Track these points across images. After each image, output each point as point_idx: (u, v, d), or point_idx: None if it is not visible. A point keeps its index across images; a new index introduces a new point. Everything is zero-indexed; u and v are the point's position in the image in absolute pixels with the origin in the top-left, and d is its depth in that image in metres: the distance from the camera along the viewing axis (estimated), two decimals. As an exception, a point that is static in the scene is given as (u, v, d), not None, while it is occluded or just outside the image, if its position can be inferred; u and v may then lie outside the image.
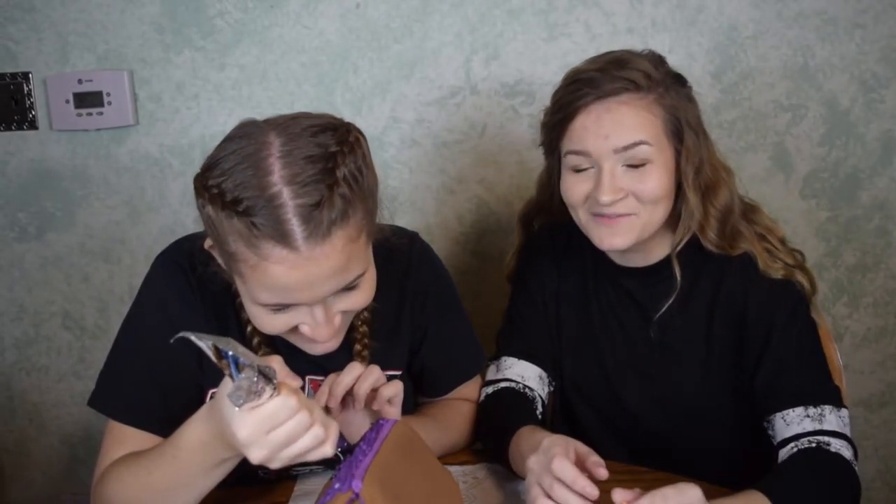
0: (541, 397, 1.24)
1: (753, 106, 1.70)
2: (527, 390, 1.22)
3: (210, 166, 0.89)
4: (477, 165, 1.71)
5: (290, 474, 1.11)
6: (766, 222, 1.20)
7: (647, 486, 1.06)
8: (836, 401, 1.10)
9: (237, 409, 0.77)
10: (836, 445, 1.05)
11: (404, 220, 1.69)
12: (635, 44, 1.62)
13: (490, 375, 1.26)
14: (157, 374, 1.04)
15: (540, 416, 1.21)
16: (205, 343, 0.75)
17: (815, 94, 1.70)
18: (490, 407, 1.21)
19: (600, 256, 1.23)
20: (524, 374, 1.24)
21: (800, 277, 1.15)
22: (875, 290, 1.82)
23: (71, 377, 1.78)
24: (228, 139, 0.91)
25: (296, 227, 0.85)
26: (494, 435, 1.14)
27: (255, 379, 0.76)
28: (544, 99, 1.65)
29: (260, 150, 0.87)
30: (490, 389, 1.23)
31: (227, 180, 0.86)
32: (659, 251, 1.19)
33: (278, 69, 1.64)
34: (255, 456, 0.80)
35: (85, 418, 1.79)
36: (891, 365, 1.86)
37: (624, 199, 1.09)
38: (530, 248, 1.33)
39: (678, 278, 1.15)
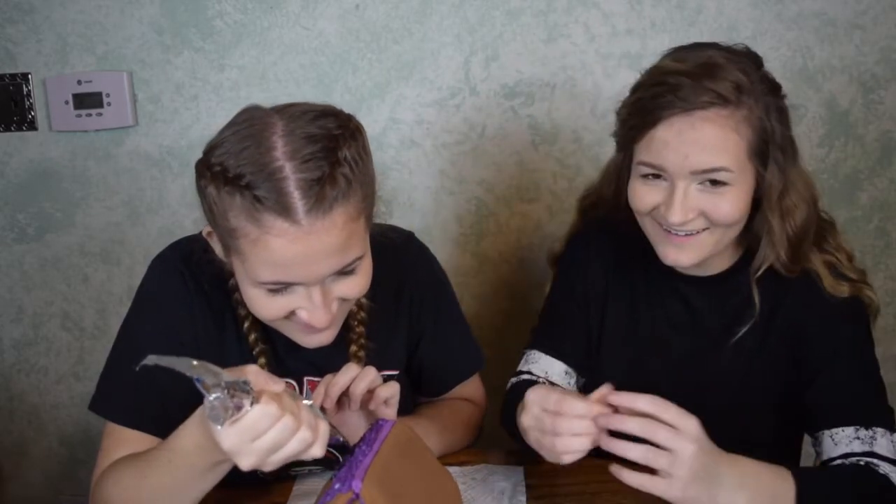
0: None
1: (753, 107, 1.70)
2: (547, 383, 1.19)
3: (212, 147, 0.90)
4: (476, 167, 1.71)
5: (288, 475, 1.11)
6: (838, 241, 1.15)
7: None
8: (890, 424, 1.05)
9: (219, 427, 0.77)
10: (886, 468, 1.00)
11: (403, 221, 1.67)
12: (634, 45, 1.64)
13: (519, 365, 1.25)
14: (155, 376, 1.03)
15: None
16: (167, 364, 0.73)
17: (814, 95, 1.70)
18: (509, 395, 1.21)
19: (656, 259, 1.16)
20: (549, 369, 1.22)
21: (868, 293, 1.12)
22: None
23: (70, 378, 1.78)
24: (231, 123, 0.92)
25: (297, 199, 0.85)
26: (511, 415, 1.08)
27: (224, 396, 0.76)
28: (544, 100, 1.67)
29: (263, 129, 0.88)
30: (514, 380, 1.23)
31: (229, 158, 0.87)
32: (719, 263, 1.14)
33: (277, 70, 1.64)
34: (245, 464, 0.81)
35: (84, 419, 1.79)
36: (891, 365, 1.86)
37: (694, 219, 1.04)
38: (581, 240, 1.27)
39: (757, 304, 1.11)
